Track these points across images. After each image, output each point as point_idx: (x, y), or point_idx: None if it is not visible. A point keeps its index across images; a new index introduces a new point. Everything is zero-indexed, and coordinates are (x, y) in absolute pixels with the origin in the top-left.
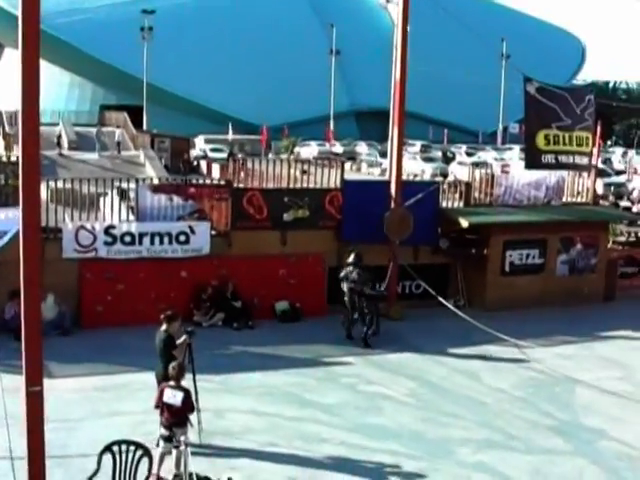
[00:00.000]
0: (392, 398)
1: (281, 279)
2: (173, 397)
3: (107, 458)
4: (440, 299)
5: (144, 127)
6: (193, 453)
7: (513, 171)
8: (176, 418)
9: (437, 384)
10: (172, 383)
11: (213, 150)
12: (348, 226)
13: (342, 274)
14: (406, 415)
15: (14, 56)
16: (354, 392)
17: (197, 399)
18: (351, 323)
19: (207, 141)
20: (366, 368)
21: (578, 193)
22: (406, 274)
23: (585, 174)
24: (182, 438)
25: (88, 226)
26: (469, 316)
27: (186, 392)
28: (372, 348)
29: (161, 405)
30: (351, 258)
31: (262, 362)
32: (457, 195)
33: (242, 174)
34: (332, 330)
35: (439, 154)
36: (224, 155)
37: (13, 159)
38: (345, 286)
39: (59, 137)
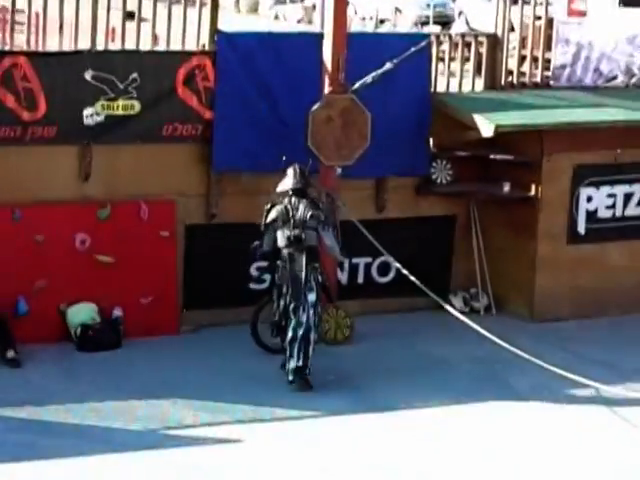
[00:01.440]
0: None
1: (80, 256)
2: None
3: None
4: (433, 296)
5: None
6: None
7: (593, 14)
8: None
9: None
10: None
11: None
12: (227, 136)
13: (272, 215)
14: None
15: None
16: None
17: None
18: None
19: None
20: (273, 450)
21: None
22: (360, 242)
23: None
24: None
25: None
26: (497, 331)
27: None
28: (309, 388)
29: None
30: (290, 181)
31: (36, 441)
32: (471, 65)
33: None
34: (196, 364)
35: None
36: None
37: None
38: (282, 239)
39: None
